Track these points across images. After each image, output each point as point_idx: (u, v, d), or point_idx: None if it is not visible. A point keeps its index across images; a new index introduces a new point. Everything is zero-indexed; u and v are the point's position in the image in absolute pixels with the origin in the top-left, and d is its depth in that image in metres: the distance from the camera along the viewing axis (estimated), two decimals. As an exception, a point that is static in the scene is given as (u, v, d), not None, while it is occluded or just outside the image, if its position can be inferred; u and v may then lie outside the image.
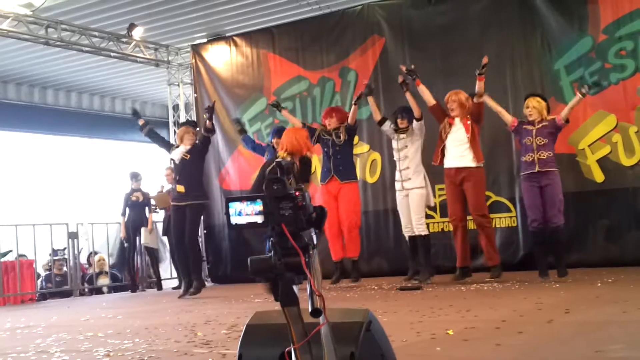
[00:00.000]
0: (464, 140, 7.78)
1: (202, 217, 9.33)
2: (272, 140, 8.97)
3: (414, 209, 8.17)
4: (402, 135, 8.31)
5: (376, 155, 10.02)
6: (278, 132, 9.11)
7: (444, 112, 7.97)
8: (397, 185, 8.37)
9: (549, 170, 7.29)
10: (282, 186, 1.98)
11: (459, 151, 7.78)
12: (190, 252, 8.70)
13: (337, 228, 8.35)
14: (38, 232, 10.59)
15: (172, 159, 9.04)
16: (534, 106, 7.43)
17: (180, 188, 8.66)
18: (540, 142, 7.30)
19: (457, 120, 7.85)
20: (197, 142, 8.86)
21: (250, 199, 2.02)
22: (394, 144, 8.39)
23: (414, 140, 8.23)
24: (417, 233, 8.17)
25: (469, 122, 7.80)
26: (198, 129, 9.52)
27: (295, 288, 1.99)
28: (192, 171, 8.75)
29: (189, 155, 8.70)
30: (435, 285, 7.86)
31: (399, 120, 8.36)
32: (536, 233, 7.47)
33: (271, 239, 1.99)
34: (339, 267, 8.46)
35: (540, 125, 7.37)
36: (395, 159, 8.40)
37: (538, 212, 7.33)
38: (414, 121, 8.17)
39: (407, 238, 8.38)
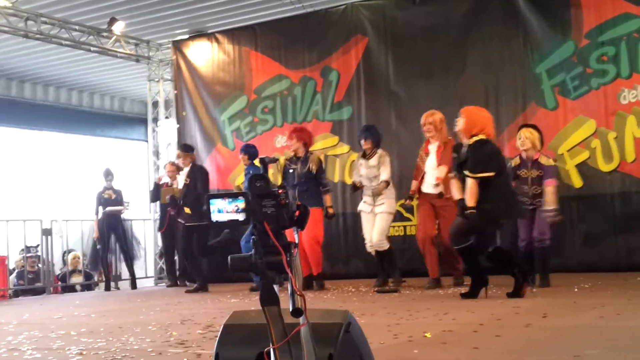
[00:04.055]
0: (435, 169, 7.70)
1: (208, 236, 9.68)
2: (240, 155, 9.31)
3: (378, 228, 7.99)
4: (371, 162, 8.05)
5: (356, 157, 9.97)
6: (247, 148, 9.23)
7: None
8: (365, 207, 8.17)
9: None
10: (265, 183, 1.94)
11: (434, 179, 7.71)
12: (191, 262, 9.65)
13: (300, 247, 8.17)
14: (11, 228, 10.44)
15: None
16: (526, 137, 7.32)
17: (187, 210, 9.35)
18: (536, 192, 7.27)
19: (431, 147, 7.78)
20: (195, 165, 9.62)
21: (232, 196, 1.98)
22: (362, 171, 8.10)
23: (384, 168, 8.01)
24: (378, 250, 8.05)
25: (442, 149, 7.69)
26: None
27: (275, 287, 1.95)
28: (195, 194, 9.25)
29: (189, 180, 9.35)
30: (412, 288, 7.85)
31: (362, 142, 8.15)
32: (525, 252, 7.46)
33: (253, 237, 1.95)
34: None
35: (536, 173, 7.27)
36: (365, 183, 8.13)
37: (527, 232, 7.35)
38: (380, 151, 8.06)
39: (373, 253, 8.24)
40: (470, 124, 6.46)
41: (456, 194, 6.69)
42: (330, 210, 8.43)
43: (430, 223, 7.84)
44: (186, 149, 9.74)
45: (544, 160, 7.33)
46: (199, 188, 9.29)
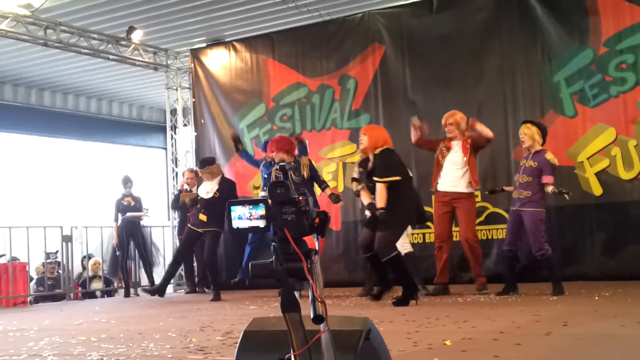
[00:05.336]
0: (460, 164, 7.77)
1: (219, 241, 9.78)
2: (265, 153, 9.20)
3: None
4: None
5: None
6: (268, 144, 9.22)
7: (430, 142, 8.00)
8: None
9: (526, 210, 7.30)
10: (286, 190, 1.94)
11: (454, 176, 7.76)
12: (209, 271, 9.68)
13: None
14: (32, 235, 10.51)
15: (198, 195, 9.64)
16: (525, 133, 7.45)
17: (203, 217, 9.31)
18: (522, 180, 7.34)
19: (454, 143, 7.82)
20: (224, 178, 9.66)
21: (253, 202, 1.99)
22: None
23: None
24: (403, 252, 8.09)
25: (468, 145, 7.77)
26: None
27: (296, 294, 1.95)
28: (218, 207, 9.14)
29: (218, 194, 9.28)
30: (430, 295, 7.83)
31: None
32: (506, 258, 7.59)
33: (273, 243, 1.96)
34: None
35: (530, 163, 7.34)
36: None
37: (511, 238, 7.46)
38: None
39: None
40: (373, 140, 7.13)
41: (365, 200, 7.31)
42: (337, 194, 8.47)
43: (446, 228, 7.91)
44: (203, 164, 9.62)
45: (549, 156, 7.37)
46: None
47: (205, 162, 9.72)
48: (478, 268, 7.84)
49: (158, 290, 9.53)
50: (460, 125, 7.78)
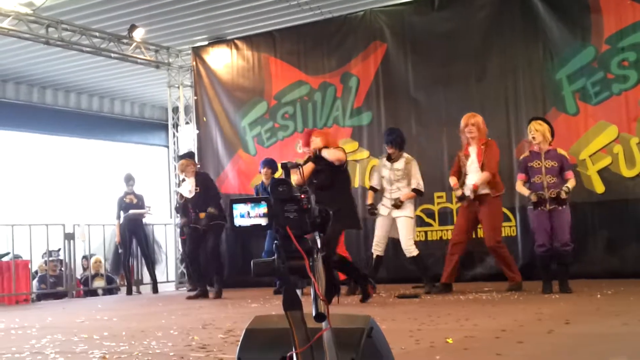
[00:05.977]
0: (477, 171, 7.72)
1: (222, 235, 9.76)
2: (262, 170, 9.42)
3: (405, 234, 8.04)
4: (395, 166, 8.07)
5: (376, 162, 9.96)
6: (267, 162, 9.38)
7: (459, 166, 7.91)
8: (383, 210, 8.14)
9: (560, 207, 7.24)
10: (288, 188, 1.94)
11: (478, 177, 7.68)
12: (212, 264, 9.38)
13: None
14: (34, 233, 10.53)
15: (181, 194, 9.57)
16: (536, 129, 7.36)
17: (202, 215, 9.24)
18: (550, 181, 7.25)
19: (471, 149, 7.78)
20: (199, 173, 9.54)
21: (255, 200, 1.99)
22: (386, 173, 8.09)
23: (408, 174, 8.06)
24: (408, 256, 8.07)
25: (482, 150, 7.72)
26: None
27: (298, 292, 1.95)
28: (207, 200, 9.21)
29: (198, 188, 9.26)
30: (433, 293, 7.83)
31: (387, 147, 8.16)
32: (543, 257, 7.36)
33: (275, 241, 1.95)
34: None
35: (551, 163, 7.28)
36: (385, 186, 8.13)
37: (546, 237, 7.25)
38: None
39: (374, 255, 8.20)
40: (325, 142, 7.36)
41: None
42: None
43: (466, 228, 7.88)
44: (191, 155, 9.71)
45: (562, 151, 7.42)
46: (210, 192, 9.31)
47: (193, 153, 9.97)
48: (509, 270, 7.75)
49: (202, 294, 9.32)
50: (480, 126, 7.75)
